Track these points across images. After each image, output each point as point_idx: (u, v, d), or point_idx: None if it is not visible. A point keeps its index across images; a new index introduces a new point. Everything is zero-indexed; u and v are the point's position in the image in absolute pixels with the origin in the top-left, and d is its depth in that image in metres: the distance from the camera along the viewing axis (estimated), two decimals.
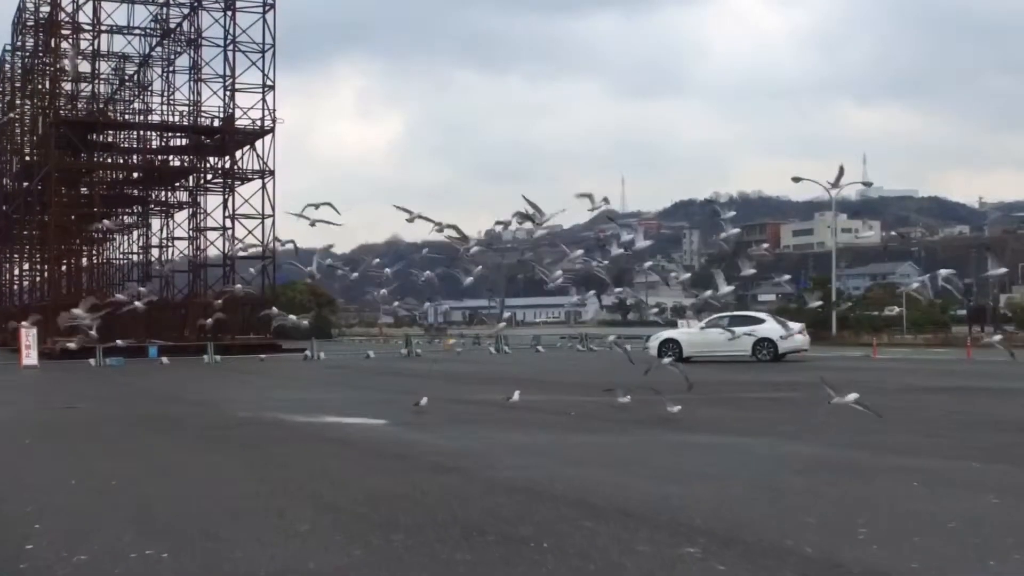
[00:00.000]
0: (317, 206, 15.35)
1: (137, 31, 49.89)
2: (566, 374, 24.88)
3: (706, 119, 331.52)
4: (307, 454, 9.73)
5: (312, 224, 14.87)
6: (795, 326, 27.60)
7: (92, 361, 32.19)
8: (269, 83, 44.11)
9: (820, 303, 44.03)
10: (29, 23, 51.81)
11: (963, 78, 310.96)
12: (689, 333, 29.66)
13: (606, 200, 14.26)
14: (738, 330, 27.88)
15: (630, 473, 8.28)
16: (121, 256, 61.84)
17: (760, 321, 28.95)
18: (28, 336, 32.64)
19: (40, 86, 50.37)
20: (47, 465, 9.43)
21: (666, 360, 16.66)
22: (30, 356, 32.13)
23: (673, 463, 8.78)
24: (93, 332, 16.20)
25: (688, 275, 21.86)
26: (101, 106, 51.37)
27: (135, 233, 59.36)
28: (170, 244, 53.27)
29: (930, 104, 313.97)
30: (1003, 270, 28.72)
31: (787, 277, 51.66)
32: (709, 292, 15.54)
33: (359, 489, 7.66)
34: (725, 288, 15.06)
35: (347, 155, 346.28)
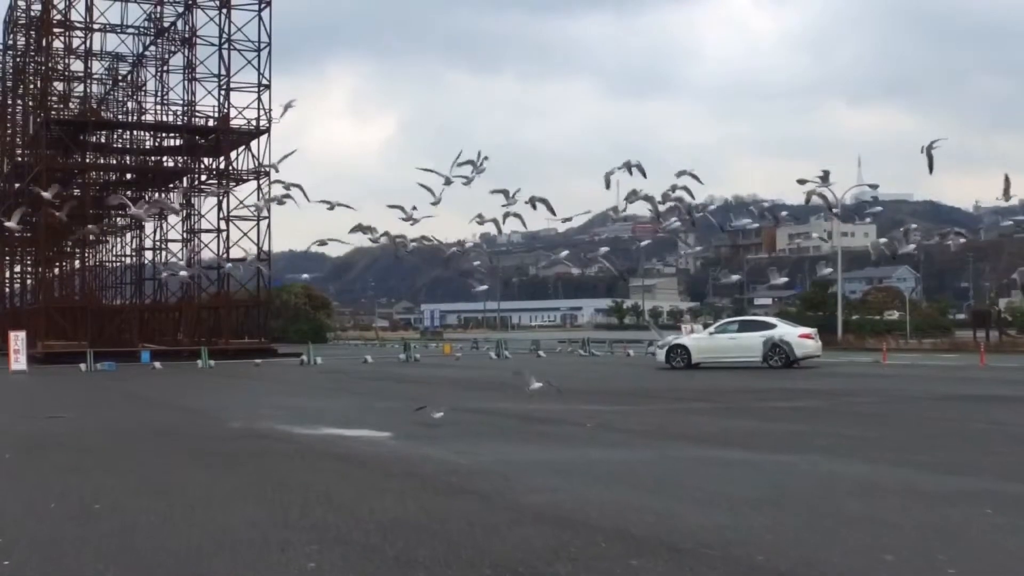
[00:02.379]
0: (287, 186, 15.21)
1: (131, 30, 49.03)
2: (573, 380, 24.03)
3: (698, 120, 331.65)
4: (308, 473, 8.94)
5: (286, 192, 14.53)
6: (808, 331, 27.07)
7: (83, 366, 31.34)
8: (265, 82, 43.28)
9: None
10: (21, 21, 50.91)
11: (954, 80, 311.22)
12: (697, 339, 28.85)
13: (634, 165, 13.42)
14: (750, 335, 27.22)
15: (668, 497, 7.50)
16: (114, 259, 60.96)
17: (772, 326, 28.17)
18: (17, 340, 31.83)
19: (32, 86, 49.48)
20: (25, 485, 8.64)
21: (536, 385, 15.02)
22: (19, 361, 31.28)
23: (712, 485, 8.00)
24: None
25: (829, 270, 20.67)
26: (94, 106, 50.50)
27: (128, 235, 58.48)
28: (163, 247, 52.35)
29: (922, 106, 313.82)
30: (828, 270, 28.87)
31: (784, 280, 49.59)
32: None
33: (369, 516, 6.88)
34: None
35: (340, 156, 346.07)
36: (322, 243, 17.58)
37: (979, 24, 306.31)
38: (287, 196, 14.71)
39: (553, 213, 14.02)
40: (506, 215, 13.59)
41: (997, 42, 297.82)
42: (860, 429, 12.02)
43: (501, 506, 7.18)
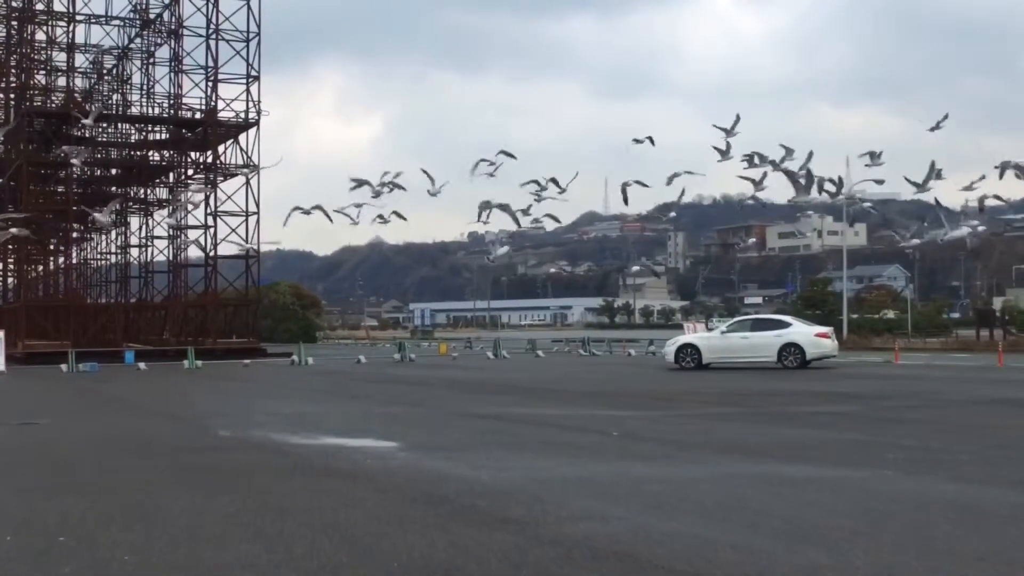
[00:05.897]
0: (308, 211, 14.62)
1: (116, 21, 47.59)
2: (578, 382, 22.92)
3: (685, 120, 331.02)
4: (311, 494, 7.73)
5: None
6: (824, 330, 26.13)
7: (64, 367, 30.03)
8: (254, 73, 41.90)
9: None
10: (1, 11, 49.41)
11: (941, 80, 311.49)
12: (709, 338, 27.70)
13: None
14: (764, 334, 26.15)
15: (741, 526, 6.31)
16: (99, 256, 59.51)
17: (786, 325, 27.05)
18: None
19: (14, 79, 48.00)
20: None
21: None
22: None
23: (787, 510, 6.83)
24: None
25: None
26: (78, 99, 49.02)
27: (113, 232, 57.02)
28: (150, 243, 50.98)
29: (908, 106, 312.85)
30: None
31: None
32: None
33: (389, 554, 5.69)
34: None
35: (328, 155, 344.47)
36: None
37: (964, 25, 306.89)
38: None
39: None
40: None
41: (984, 42, 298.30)
42: (920, 438, 10.86)
43: (546, 539, 6.00)
